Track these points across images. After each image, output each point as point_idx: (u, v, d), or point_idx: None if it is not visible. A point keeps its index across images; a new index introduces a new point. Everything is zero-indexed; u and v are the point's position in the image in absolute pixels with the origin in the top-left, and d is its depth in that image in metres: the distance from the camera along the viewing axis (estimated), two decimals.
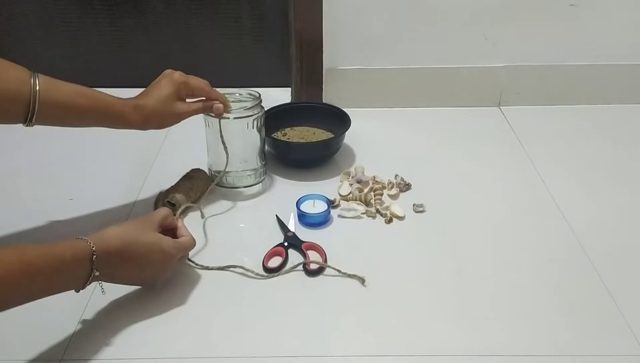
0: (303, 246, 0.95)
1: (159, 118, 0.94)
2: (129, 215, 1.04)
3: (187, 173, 1.09)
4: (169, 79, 0.95)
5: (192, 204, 1.03)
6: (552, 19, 1.36)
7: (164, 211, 0.87)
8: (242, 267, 0.90)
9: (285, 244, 0.96)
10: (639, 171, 1.18)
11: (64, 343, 0.79)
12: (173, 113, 0.95)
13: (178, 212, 0.99)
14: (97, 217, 1.03)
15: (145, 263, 0.80)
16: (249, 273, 0.90)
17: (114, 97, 0.91)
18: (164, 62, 1.53)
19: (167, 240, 0.83)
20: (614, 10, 1.35)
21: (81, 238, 0.73)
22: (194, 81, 0.99)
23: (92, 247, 0.72)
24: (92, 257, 0.72)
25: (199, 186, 1.07)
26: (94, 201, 1.07)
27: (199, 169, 1.10)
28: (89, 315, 0.84)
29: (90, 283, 0.74)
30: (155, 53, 1.52)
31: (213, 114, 1.01)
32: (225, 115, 1.02)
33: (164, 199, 1.03)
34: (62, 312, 0.83)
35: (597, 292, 0.88)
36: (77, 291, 0.74)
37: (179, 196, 1.02)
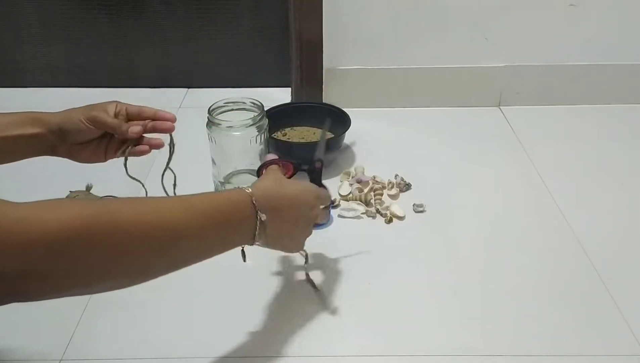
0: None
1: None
2: None
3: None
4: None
5: None
6: (552, 19, 1.36)
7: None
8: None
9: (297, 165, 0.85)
10: (639, 171, 1.18)
11: (64, 343, 0.79)
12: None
13: None
14: None
15: (300, 202, 0.74)
16: (254, 272, 0.90)
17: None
18: (164, 62, 1.54)
19: (306, 182, 0.80)
20: (614, 10, 1.35)
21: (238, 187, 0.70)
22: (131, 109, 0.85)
23: (248, 190, 0.69)
24: (252, 199, 0.68)
25: None
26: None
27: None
28: (89, 315, 0.84)
29: (258, 232, 0.69)
30: (155, 53, 1.52)
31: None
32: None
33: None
34: (62, 312, 0.83)
35: (597, 292, 0.88)
36: (250, 242, 0.70)
37: None
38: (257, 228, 0.68)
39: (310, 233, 0.78)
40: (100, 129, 0.82)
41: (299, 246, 0.78)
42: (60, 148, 0.84)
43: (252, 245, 0.70)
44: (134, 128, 0.82)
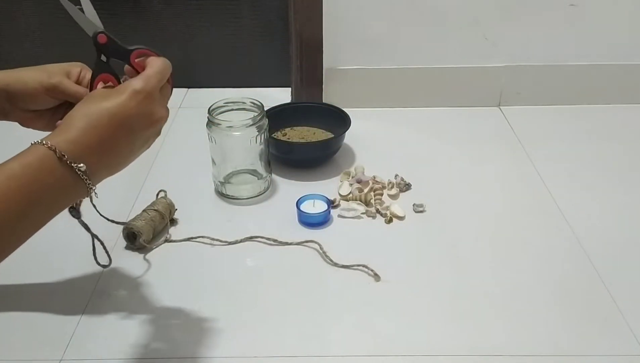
0: (132, 56, 0.67)
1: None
2: (129, 215, 1.04)
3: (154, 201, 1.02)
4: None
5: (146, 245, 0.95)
6: (552, 19, 1.36)
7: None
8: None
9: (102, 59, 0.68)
10: (639, 171, 1.18)
11: (64, 343, 0.79)
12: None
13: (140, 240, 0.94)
14: (97, 216, 1.03)
15: (126, 116, 0.61)
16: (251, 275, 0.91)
17: None
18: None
19: (131, 82, 0.63)
20: (614, 10, 1.35)
21: (34, 143, 0.57)
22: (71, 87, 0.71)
23: (46, 143, 0.56)
24: (57, 153, 0.56)
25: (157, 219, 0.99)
26: (94, 201, 1.06)
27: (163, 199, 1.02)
28: (89, 315, 0.84)
29: (88, 179, 0.59)
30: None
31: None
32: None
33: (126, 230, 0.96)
34: (62, 312, 0.83)
35: (597, 292, 0.88)
36: (87, 195, 0.60)
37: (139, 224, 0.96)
38: (83, 178, 0.58)
39: (162, 112, 0.65)
40: (60, 99, 0.71)
41: (153, 138, 0.66)
42: (11, 113, 0.72)
43: (91, 193, 0.60)
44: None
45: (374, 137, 1.30)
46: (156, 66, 0.65)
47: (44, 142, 0.57)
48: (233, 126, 1.03)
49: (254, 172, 1.10)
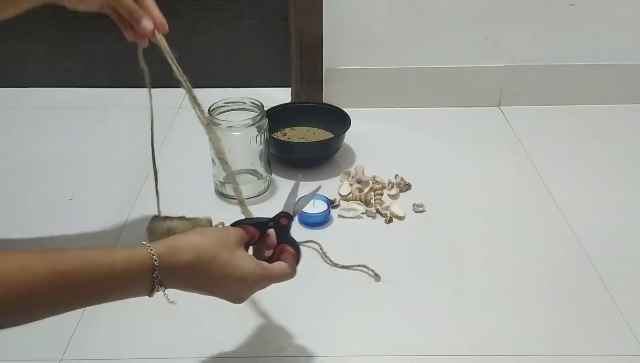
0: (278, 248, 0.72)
1: None
2: (129, 215, 1.04)
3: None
4: None
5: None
6: (552, 19, 1.36)
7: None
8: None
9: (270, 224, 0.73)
10: (639, 171, 1.18)
11: (64, 343, 0.79)
12: None
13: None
14: (97, 217, 1.03)
15: (217, 285, 0.65)
16: None
17: None
18: (164, 61, 1.54)
19: (250, 264, 0.66)
20: (614, 10, 1.35)
21: (144, 245, 0.59)
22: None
23: (155, 259, 0.58)
24: (154, 272, 0.58)
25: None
26: (94, 201, 1.07)
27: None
28: (89, 315, 0.84)
29: (155, 293, 0.61)
30: (155, 53, 1.52)
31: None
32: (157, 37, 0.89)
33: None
34: None
35: (597, 292, 0.88)
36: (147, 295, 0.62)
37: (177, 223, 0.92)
38: (154, 292, 0.60)
39: (242, 300, 0.68)
40: (112, 8, 0.82)
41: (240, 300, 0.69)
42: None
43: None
44: (149, 25, 0.84)
45: (374, 137, 1.30)
46: (282, 274, 0.70)
47: (153, 257, 0.59)
48: (233, 126, 1.03)
49: (254, 172, 1.10)
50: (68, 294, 0.55)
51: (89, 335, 0.81)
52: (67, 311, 0.56)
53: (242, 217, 0.78)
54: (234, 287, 0.66)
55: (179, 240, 0.63)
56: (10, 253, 0.52)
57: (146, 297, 0.83)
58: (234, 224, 0.72)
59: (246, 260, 0.66)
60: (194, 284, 0.63)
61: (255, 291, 0.68)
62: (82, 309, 0.84)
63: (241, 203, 0.81)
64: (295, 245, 0.73)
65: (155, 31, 0.86)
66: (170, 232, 0.92)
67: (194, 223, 0.94)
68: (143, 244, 0.59)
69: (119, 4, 0.81)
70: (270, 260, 0.71)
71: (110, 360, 0.77)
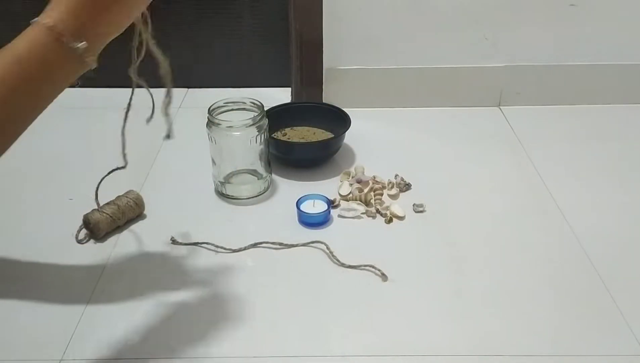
0: None
1: None
2: None
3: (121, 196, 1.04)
4: None
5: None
6: (552, 19, 1.36)
7: None
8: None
9: None
10: (639, 171, 1.18)
11: (64, 343, 0.79)
12: None
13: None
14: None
15: None
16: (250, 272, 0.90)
17: None
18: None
19: None
20: (614, 10, 1.35)
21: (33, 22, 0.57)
22: None
23: (45, 21, 0.56)
24: (56, 35, 0.56)
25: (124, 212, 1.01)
26: (94, 201, 1.06)
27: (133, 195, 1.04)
28: (89, 315, 0.84)
29: (84, 55, 0.59)
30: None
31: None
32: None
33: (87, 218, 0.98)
34: (62, 312, 0.83)
35: (597, 292, 0.88)
36: (88, 67, 0.61)
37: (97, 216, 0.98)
38: (76, 53, 0.58)
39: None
40: None
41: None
42: None
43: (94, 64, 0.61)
44: None
45: (374, 137, 1.30)
46: None
47: (44, 22, 0.56)
48: (233, 126, 1.03)
49: (254, 172, 1.10)
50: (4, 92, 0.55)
51: (89, 335, 0.81)
52: (19, 115, 0.57)
53: None
54: None
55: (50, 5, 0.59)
56: None
57: (146, 297, 0.83)
58: None
59: None
60: (101, 6, 0.60)
61: None
62: (82, 309, 0.84)
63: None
64: None
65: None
66: (110, 215, 0.99)
67: (117, 201, 1.01)
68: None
69: None
70: None
71: (110, 360, 0.77)
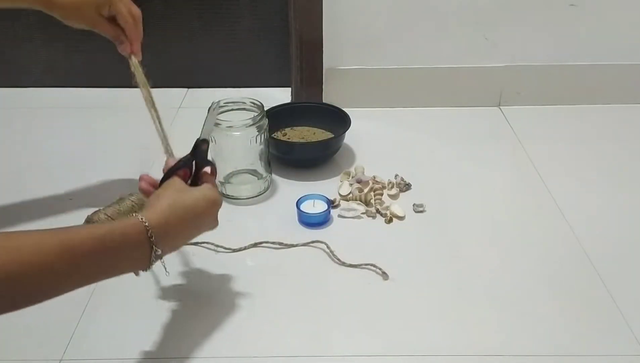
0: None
1: (72, 12, 0.96)
2: None
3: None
4: None
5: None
6: (552, 19, 1.36)
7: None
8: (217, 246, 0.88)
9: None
10: (639, 171, 1.18)
11: (64, 343, 0.79)
12: (86, 17, 0.96)
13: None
14: None
15: (197, 220, 0.75)
16: (248, 273, 0.90)
17: None
18: (164, 62, 1.54)
19: (203, 188, 0.78)
20: (614, 10, 1.35)
21: (134, 215, 0.68)
22: (122, 7, 0.98)
23: (144, 221, 0.66)
24: (148, 233, 0.66)
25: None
26: (94, 201, 1.06)
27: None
28: (89, 315, 0.84)
29: (154, 261, 0.68)
30: (155, 53, 1.52)
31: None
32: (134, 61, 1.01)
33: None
34: (62, 312, 0.83)
35: (597, 292, 0.88)
36: (145, 270, 0.69)
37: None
38: (152, 258, 0.68)
39: (215, 217, 0.79)
40: (102, 30, 0.97)
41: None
42: (56, 11, 0.96)
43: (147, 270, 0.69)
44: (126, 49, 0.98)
45: (374, 137, 1.30)
46: (218, 195, 0.79)
47: (143, 219, 0.67)
48: (233, 126, 1.03)
49: (254, 172, 1.10)
50: (76, 266, 0.61)
51: (89, 335, 0.81)
52: (76, 286, 0.61)
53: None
54: (207, 214, 0.76)
55: (151, 205, 0.71)
56: (25, 233, 0.60)
57: (146, 297, 0.84)
58: (167, 175, 0.79)
59: (196, 191, 0.77)
60: (181, 231, 0.73)
61: (213, 217, 0.78)
62: (82, 309, 0.84)
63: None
64: (213, 164, 0.85)
65: (132, 55, 1.00)
66: (111, 217, 0.97)
67: (121, 202, 0.99)
68: (132, 215, 0.68)
69: (105, 29, 0.98)
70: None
71: (110, 360, 0.77)
